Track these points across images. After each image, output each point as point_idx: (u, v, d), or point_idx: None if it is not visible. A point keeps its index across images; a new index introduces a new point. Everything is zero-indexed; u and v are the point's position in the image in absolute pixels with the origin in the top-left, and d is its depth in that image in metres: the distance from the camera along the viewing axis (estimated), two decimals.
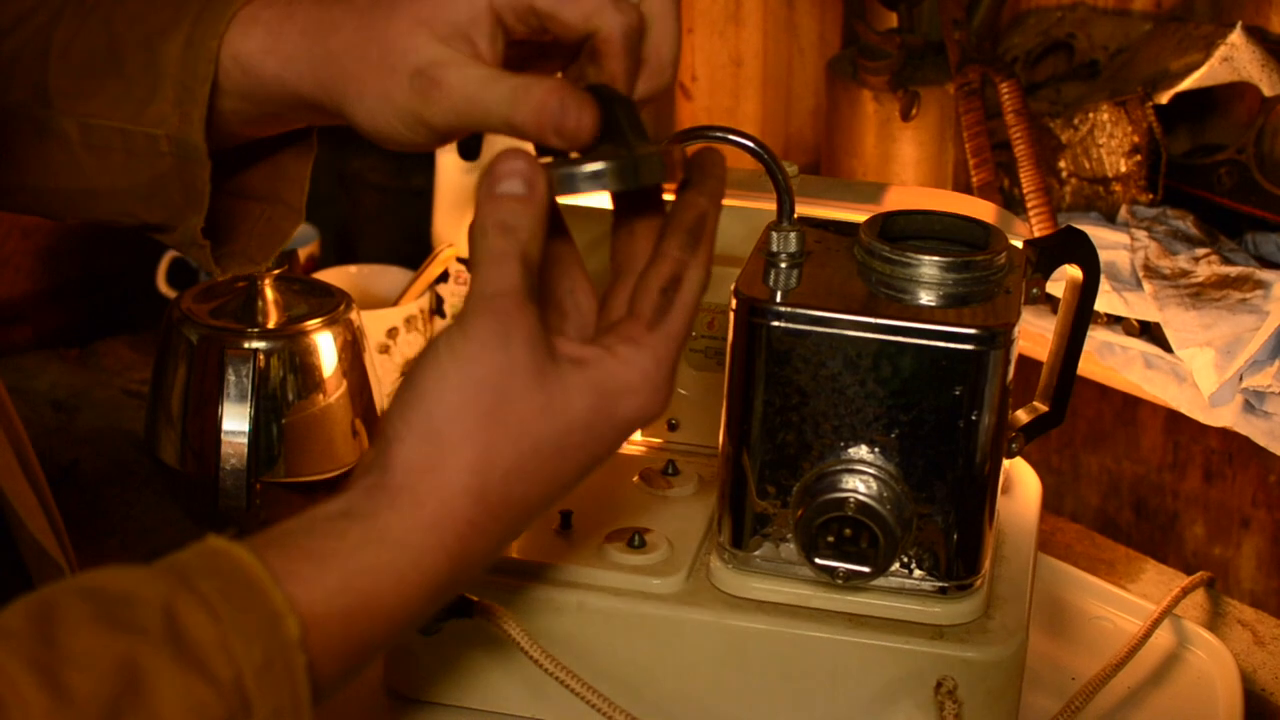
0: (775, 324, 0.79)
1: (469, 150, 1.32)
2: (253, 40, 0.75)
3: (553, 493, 0.65)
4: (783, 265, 0.82)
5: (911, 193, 1.08)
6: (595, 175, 0.64)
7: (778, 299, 0.79)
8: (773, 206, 0.82)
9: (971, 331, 0.77)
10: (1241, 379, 1.01)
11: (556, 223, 0.67)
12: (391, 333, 1.30)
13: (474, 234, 0.64)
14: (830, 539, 0.80)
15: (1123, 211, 1.17)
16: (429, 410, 0.62)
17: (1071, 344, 0.89)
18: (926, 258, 0.80)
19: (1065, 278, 0.88)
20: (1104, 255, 1.06)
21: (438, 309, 1.34)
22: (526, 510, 0.64)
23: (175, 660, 0.56)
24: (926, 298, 0.79)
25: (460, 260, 1.31)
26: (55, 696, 0.54)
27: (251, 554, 0.59)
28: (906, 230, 0.85)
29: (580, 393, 0.64)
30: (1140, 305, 1.07)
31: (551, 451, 0.64)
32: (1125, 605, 1.03)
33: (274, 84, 0.76)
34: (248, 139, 0.82)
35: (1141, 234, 1.12)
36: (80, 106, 0.79)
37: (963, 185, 1.21)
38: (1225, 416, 1.03)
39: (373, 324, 1.26)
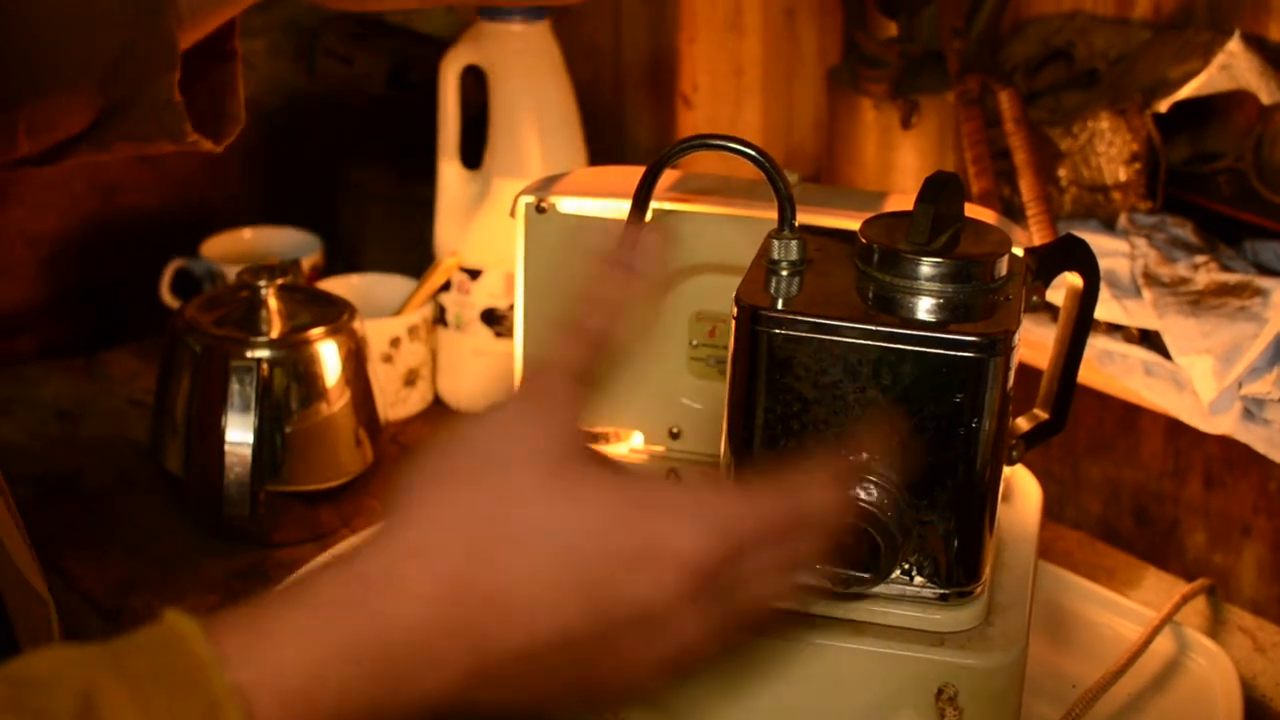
0: (776, 331, 0.79)
1: (472, 160, 1.32)
2: None
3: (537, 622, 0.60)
4: (784, 273, 0.82)
5: (912, 200, 1.08)
6: None
7: (779, 306, 0.79)
8: (774, 215, 0.83)
9: (972, 339, 0.77)
10: (1241, 386, 1.01)
11: None
12: (394, 342, 1.30)
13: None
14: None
15: (1122, 219, 1.17)
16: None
17: (1072, 352, 0.89)
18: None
19: (1065, 285, 0.89)
20: (1103, 263, 1.06)
21: (440, 318, 1.34)
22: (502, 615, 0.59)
23: None
24: (927, 305, 0.80)
25: (462, 269, 1.31)
26: None
27: (201, 633, 0.55)
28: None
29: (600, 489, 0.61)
30: (1140, 313, 1.08)
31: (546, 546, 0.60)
32: (1126, 612, 1.03)
33: None
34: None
35: (1141, 242, 1.13)
36: None
37: None
38: (1224, 424, 1.03)
39: (375, 334, 1.26)
